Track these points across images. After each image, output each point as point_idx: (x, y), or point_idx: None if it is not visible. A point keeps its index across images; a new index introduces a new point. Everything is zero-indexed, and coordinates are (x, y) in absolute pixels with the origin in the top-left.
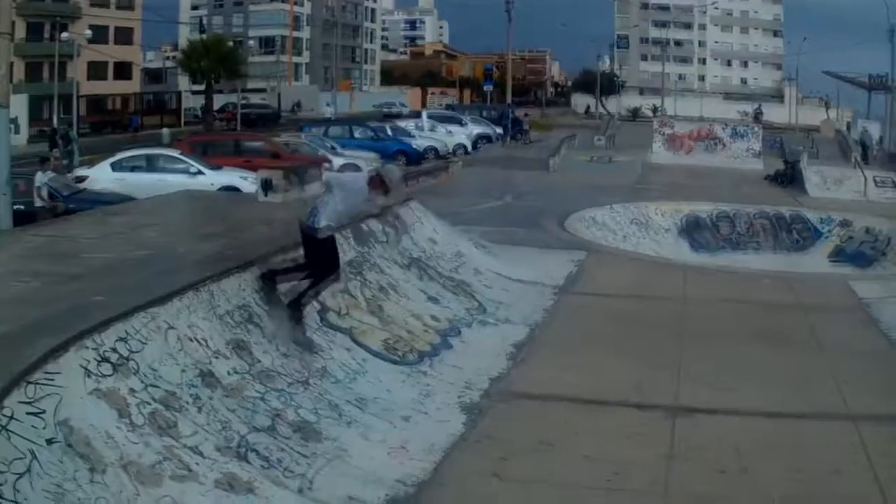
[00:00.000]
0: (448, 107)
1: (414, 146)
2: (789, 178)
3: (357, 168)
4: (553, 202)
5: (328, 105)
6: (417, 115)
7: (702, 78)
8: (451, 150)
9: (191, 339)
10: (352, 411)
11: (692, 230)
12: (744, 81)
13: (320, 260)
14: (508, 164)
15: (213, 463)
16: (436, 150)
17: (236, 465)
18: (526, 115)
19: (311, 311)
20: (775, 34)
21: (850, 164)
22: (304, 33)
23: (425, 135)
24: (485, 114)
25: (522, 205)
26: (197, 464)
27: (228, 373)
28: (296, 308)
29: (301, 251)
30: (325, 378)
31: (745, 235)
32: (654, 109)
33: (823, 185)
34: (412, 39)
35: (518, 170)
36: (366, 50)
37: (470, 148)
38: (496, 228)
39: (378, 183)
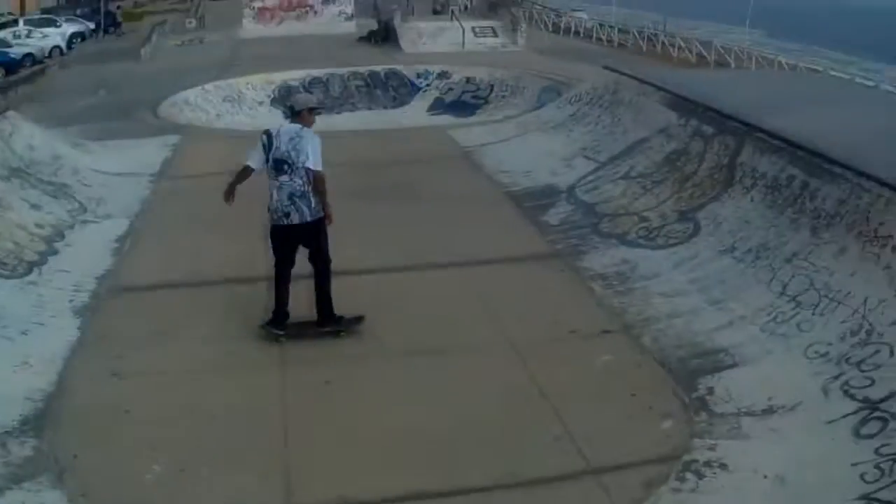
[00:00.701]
0: (44, 10)
1: (11, 55)
2: (383, 36)
3: None
4: (147, 90)
5: None
6: (15, 22)
7: None
8: (47, 54)
9: None
10: None
11: (285, 99)
12: None
13: None
14: (102, 59)
15: None
16: (32, 55)
17: None
18: (118, 7)
19: None
20: None
21: (448, 17)
22: None
23: (22, 42)
24: (79, 11)
25: (117, 97)
26: None
27: None
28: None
29: None
30: None
31: (340, 98)
32: None
33: (419, 39)
34: None
35: (111, 63)
36: None
37: (65, 48)
38: (92, 125)
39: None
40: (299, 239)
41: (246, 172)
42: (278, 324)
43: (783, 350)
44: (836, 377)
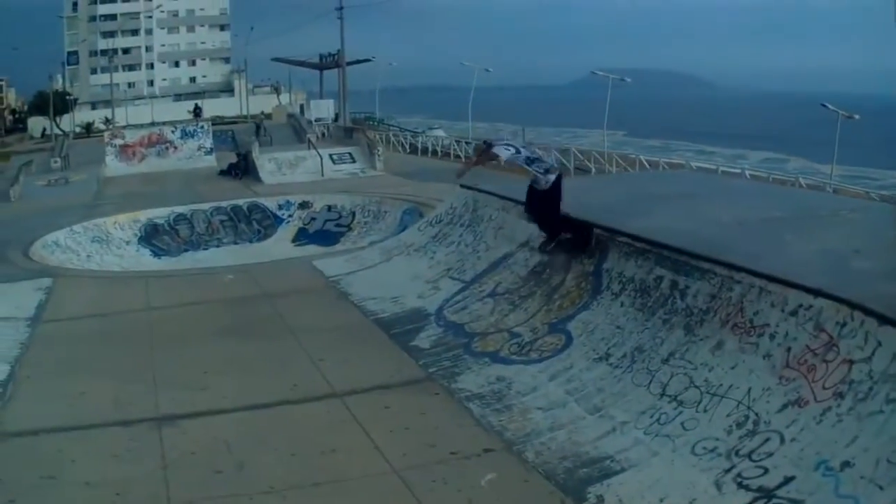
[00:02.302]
0: None
1: None
2: (243, 169)
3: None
4: (16, 232)
5: None
6: None
7: (151, 83)
8: None
9: None
10: None
11: (152, 237)
12: (193, 80)
13: None
14: None
15: None
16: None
17: None
18: None
19: None
20: (222, 28)
21: (304, 146)
22: None
23: None
24: None
25: None
26: None
27: None
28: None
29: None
30: None
31: (205, 234)
32: (107, 121)
33: (279, 170)
34: None
35: None
36: None
37: None
38: None
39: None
40: None
41: None
42: None
43: (670, 450)
44: (728, 470)
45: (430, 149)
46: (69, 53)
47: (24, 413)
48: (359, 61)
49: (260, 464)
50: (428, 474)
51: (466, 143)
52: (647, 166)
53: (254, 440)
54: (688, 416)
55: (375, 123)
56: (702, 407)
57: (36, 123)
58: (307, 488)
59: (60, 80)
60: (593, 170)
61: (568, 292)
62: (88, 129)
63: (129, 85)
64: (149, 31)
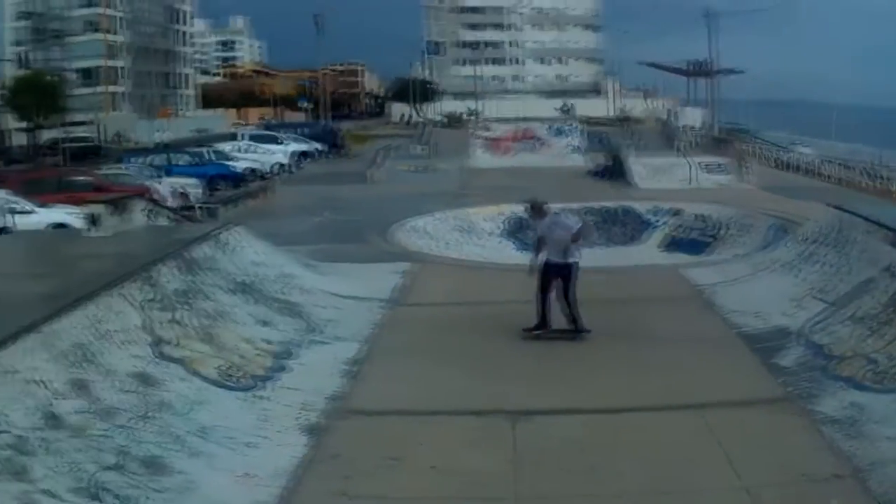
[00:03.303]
0: (266, 126)
1: (233, 168)
2: (614, 171)
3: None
4: (375, 214)
5: (158, 132)
6: (234, 136)
7: (518, 78)
8: (270, 170)
9: (33, 382)
10: (195, 442)
11: (516, 231)
12: (561, 78)
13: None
14: (328, 180)
15: None
16: (254, 170)
17: None
18: (339, 129)
19: (143, 345)
20: (592, 28)
21: (675, 153)
22: (124, 62)
23: (244, 156)
24: (303, 130)
25: (345, 219)
26: None
27: (72, 412)
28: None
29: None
30: (166, 410)
31: None
32: (472, 113)
33: (650, 175)
34: (227, 60)
35: (338, 184)
36: (180, 74)
37: (289, 165)
38: (321, 245)
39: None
40: None
41: None
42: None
43: None
44: None
45: (795, 165)
46: (432, 43)
47: (372, 393)
48: (729, 71)
49: (611, 468)
50: (777, 494)
51: (829, 162)
52: None
53: (607, 443)
54: None
55: (743, 135)
56: None
57: (396, 109)
58: (657, 496)
59: (420, 68)
60: None
61: None
62: (451, 118)
63: (494, 78)
64: (516, 27)
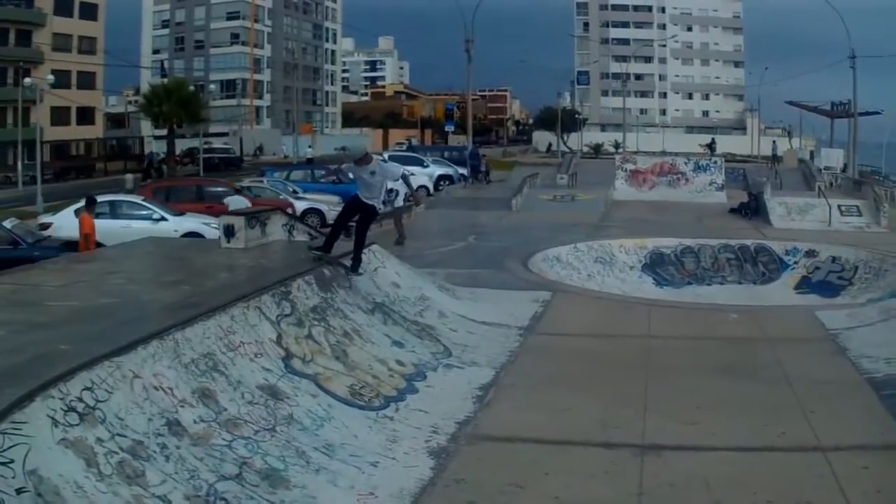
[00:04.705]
0: (409, 148)
1: None
2: (753, 209)
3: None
4: (516, 242)
5: (309, 147)
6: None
7: (663, 111)
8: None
9: (156, 388)
10: (319, 458)
11: (656, 266)
12: (705, 114)
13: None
14: (470, 205)
15: None
16: (397, 192)
17: None
18: (484, 155)
19: (275, 359)
20: (736, 65)
21: (814, 193)
22: (266, 76)
23: None
24: (447, 154)
25: (486, 245)
26: None
27: (195, 421)
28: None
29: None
30: (292, 425)
31: (710, 269)
32: (616, 145)
33: (788, 215)
34: (373, 80)
35: (480, 210)
36: (326, 92)
37: (432, 188)
38: (460, 270)
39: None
40: None
41: None
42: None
43: None
44: None
45: None
46: (579, 73)
47: (502, 419)
48: (868, 113)
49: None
50: None
51: None
52: None
53: (733, 481)
54: None
55: (881, 178)
56: None
57: (541, 137)
58: None
59: (568, 98)
60: None
61: None
62: (597, 149)
63: (641, 111)
64: (662, 60)
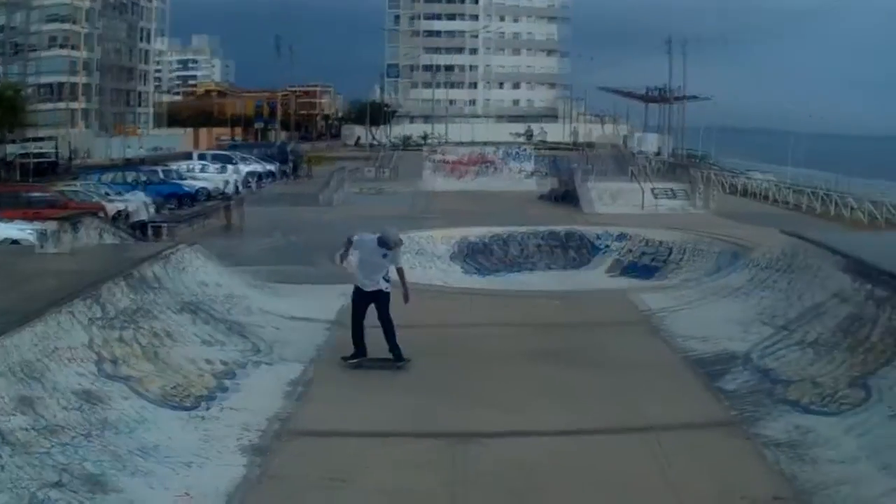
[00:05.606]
0: (232, 146)
1: (185, 188)
2: (562, 195)
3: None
4: (325, 237)
5: (129, 148)
6: (189, 156)
7: (472, 102)
8: (222, 190)
9: None
10: (135, 461)
11: (466, 255)
12: (516, 103)
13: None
14: (283, 201)
15: None
16: (207, 190)
17: None
18: (293, 151)
19: (88, 363)
20: (548, 54)
21: (627, 178)
22: (95, 79)
23: (196, 176)
24: (259, 151)
25: (295, 241)
26: None
27: (17, 429)
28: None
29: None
30: (107, 429)
31: (520, 257)
32: (425, 136)
33: (600, 200)
34: (186, 80)
35: (292, 206)
36: (139, 92)
37: (241, 187)
38: (269, 267)
39: (382, 242)
40: None
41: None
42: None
43: None
44: None
45: (748, 190)
46: (389, 66)
47: (316, 414)
48: (698, 97)
49: (554, 489)
50: None
51: (786, 187)
52: None
53: (555, 466)
54: None
55: (700, 161)
56: None
57: (349, 131)
58: None
59: (378, 91)
60: None
61: (873, 347)
62: (406, 142)
63: (451, 102)
64: (473, 51)
